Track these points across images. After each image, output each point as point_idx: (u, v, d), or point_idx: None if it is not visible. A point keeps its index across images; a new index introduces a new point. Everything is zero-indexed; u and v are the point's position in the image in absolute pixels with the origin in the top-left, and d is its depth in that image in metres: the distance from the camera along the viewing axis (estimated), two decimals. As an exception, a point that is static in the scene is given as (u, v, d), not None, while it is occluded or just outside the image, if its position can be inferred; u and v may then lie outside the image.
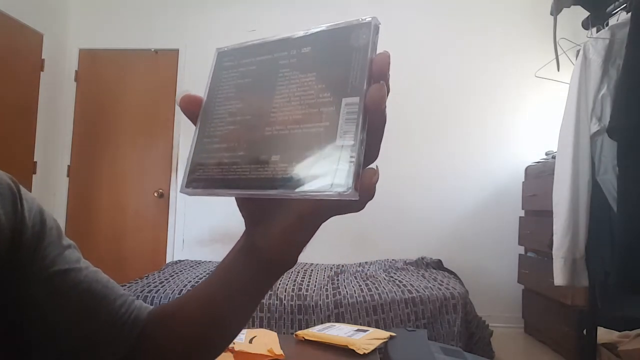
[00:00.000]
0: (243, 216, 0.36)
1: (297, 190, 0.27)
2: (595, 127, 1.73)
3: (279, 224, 0.33)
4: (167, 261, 3.50)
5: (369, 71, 0.28)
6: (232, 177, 0.30)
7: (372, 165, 0.28)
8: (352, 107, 0.27)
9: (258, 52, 0.34)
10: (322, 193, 0.26)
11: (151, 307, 0.48)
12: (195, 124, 0.35)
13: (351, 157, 0.26)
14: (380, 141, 0.29)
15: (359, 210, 0.30)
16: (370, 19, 0.29)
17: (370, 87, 0.28)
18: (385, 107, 0.28)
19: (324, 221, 0.33)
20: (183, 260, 3.22)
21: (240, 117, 0.32)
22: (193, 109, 0.35)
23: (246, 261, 0.38)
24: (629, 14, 1.58)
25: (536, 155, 3.26)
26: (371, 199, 0.28)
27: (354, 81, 0.28)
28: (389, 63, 0.28)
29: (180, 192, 0.33)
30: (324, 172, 0.27)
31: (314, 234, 0.34)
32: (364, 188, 0.27)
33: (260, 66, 0.33)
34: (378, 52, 0.29)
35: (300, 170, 0.28)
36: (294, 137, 0.29)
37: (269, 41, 0.34)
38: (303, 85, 0.30)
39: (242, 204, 0.35)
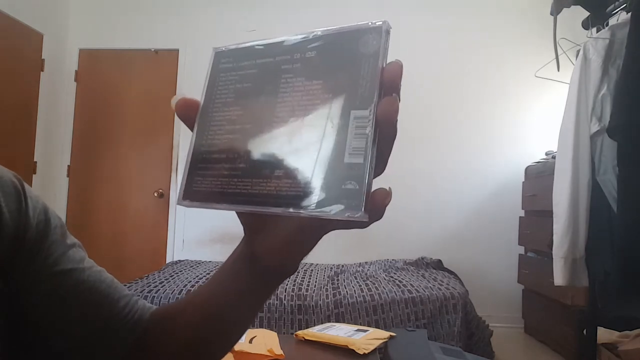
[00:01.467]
0: (242, 223, 0.35)
1: (302, 210, 0.26)
2: (595, 127, 1.72)
3: (280, 235, 0.32)
4: (167, 261, 3.50)
5: (379, 82, 0.26)
6: (233, 190, 0.29)
7: (384, 186, 0.27)
8: (361, 120, 0.26)
9: (258, 54, 0.32)
10: (329, 214, 0.25)
11: (155, 307, 0.48)
12: (192, 129, 0.33)
13: (361, 176, 0.25)
14: (389, 155, 0.28)
15: (364, 228, 0.27)
16: (380, 23, 0.27)
17: (381, 100, 0.26)
18: (397, 120, 0.26)
19: (326, 233, 0.32)
20: (183, 261, 3.22)
21: (240, 126, 0.31)
22: (190, 113, 0.33)
23: (245, 269, 0.37)
24: (629, 14, 1.58)
25: (536, 155, 3.25)
26: (379, 219, 0.26)
27: (363, 92, 0.26)
28: (402, 73, 0.26)
29: (178, 204, 0.32)
30: (332, 191, 0.25)
31: (315, 245, 0.33)
32: (374, 210, 0.25)
33: (261, 70, 0.31)
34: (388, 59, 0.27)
35: (305, 187, 0.26)
36: (299, 150, 0.27)
37: (270, 43, 0.32)
38: (308, 94, 0.28)
39: (242, 212, 0.34)
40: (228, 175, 0.29)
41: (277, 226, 0.33)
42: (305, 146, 0.27)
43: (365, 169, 0.25)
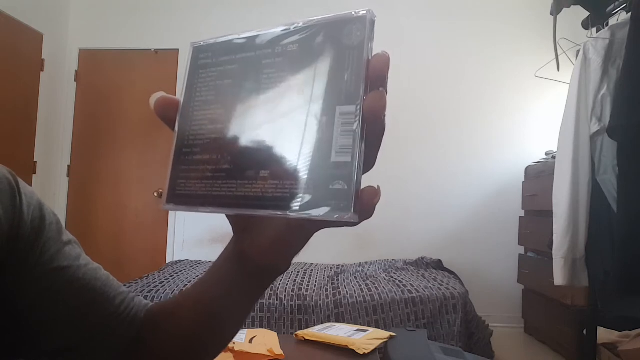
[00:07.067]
0: (230, 223, 0.34)
1: (289, 212, 0.25)
2: (595, 127, 1.72)
3: (269, 234, 0.32)
4: (167, 261, 3.50)
5: (365, 75, 0.25)
6: (217, 193, 0.28)
7: (373, 185, 0.25)
8: (347, 117, 0.24)
9: (238, 48, 0.30)
10: (317, 216, 0.24)
11: (150, 304, 0.48)
12: (172, 129, 0.32)
13: (349, 176, 0.23)
14: (378, 150, 0.26)
15: (354, 226, 0.26)
16: (364, 12, 0.26)
17: (368, 94, 0.25)
18: (385, 115, 0.25)
19: (316, 232, 0.31)
20: (183, 260, 3.22)
21: (222, 125, 0.29)
22: (169, 113, 0.31)
23: (235, 268, 0.37)
24: (629, 14, 1.58)
25: (536, 155, 3.26)
26: (369, 218, 0.25)
27: (348, 87, 0.25)
28: (389, 66, 0.25)
29: (162, 208, 0.30)
30: (319, 192, 0.24)
31: (306, 243, 0.33)
32: (363, 210, 0.24)
33: (241, 65, 0.30)
34: (374, 51, 0.26)
35: (292, 189, 0.25)
36: (284, 150, 0.26)
37: (250, 36, 0.30)
38: (291, 90, 0.27)
39: None
40: (212, 178, 0.28)
41: (266, 226, 0.32)
42: (290, 145, 0.26)
43: (353, 168, 0.23)
